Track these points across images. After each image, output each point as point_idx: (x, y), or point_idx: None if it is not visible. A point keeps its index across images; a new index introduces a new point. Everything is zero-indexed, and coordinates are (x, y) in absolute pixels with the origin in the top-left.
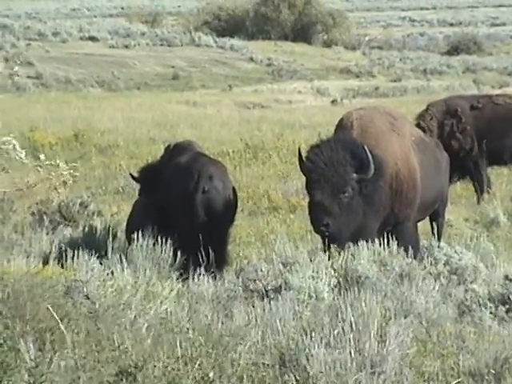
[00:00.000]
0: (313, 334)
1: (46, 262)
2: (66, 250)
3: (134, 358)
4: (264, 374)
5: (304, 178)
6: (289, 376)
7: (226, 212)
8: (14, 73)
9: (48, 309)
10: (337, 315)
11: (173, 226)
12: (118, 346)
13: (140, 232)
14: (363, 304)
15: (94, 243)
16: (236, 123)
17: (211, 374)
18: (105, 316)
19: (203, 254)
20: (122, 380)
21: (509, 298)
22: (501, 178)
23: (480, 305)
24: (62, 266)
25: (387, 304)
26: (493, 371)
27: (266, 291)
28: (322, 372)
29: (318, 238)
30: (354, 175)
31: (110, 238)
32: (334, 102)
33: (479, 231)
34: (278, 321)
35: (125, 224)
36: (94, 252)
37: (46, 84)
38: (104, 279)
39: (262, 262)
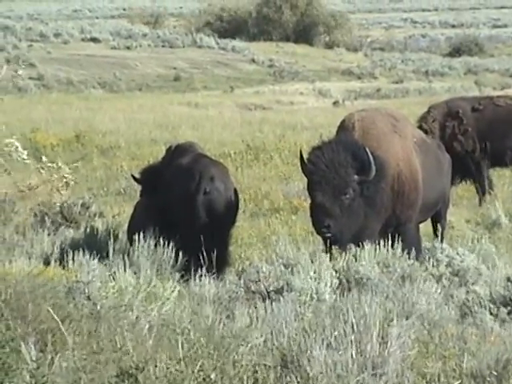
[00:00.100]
0: (314, 336)
1: (47, 263)
2: (67, 251)
3: (136, 359)
4: (265, 375)
5: (306, 180)
6: (290, 377)
7: (227, 213)
8: (18, 76)
9: (49, 310)
10: (338, 316)
11: (174, 228)
12: (120, 347)
13: (141, 233)
14: (365, 305)
15: (96, 244)
16: (237, 124)
17: (213, 376)
18: (106, 317)
19: (205, 255)
20: (123, 381)
21: (510, 299)
22: (502, 180)
23: (482, 306)
24: (64, 267)
25: (389, 305)
26: (494, 373)
27: (268, 292)
28: (323, 373)
29: (320, 239)
30: (356, 177)
31: (112, 239)
32: (335, 103)
33: (481, 233)
34: (279, 322)
35: (126, 225)
36: (95, 253)
37: (48, 85)
38: (105, 280)
39: (264, 263)
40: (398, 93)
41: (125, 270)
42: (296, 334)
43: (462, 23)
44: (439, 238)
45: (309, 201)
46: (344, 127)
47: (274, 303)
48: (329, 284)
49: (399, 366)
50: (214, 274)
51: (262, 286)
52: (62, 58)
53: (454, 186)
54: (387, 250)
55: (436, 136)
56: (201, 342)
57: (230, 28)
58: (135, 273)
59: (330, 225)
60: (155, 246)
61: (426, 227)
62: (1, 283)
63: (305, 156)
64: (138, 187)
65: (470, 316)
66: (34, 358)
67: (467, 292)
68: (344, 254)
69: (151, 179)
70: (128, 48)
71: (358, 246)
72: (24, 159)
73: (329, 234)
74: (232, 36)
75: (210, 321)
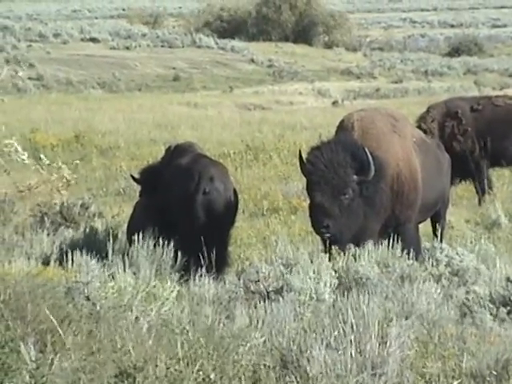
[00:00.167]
0: (314, 336)
1: (46, 264)
2: (66, 252)
3: (135, 360)
4: (265, 375)
5: (305, 180)
6: (290, 377)
7: (226, 213)
8: (19, 77)
9: (49, 310)
10: (338, 316)
11: (173, 228)
12: (119, 348)
13: (141, 233)
14: (364, 305)
15: (95, 245)
16: (237, 124)
17: (212, 376)
18: (106, 317)
19: (204, 255)
20: (122, 381)
21: (510, 299)
22: (502, 180)
23: (481, 306)
24: (63, 268)
25: (388, 305)
26: (494, 373)
27: (267, 292)
28: (322, 373)
29: (319, 239)
30: (355, 177)
31: (111, 240)
32: (334, 103)
33: (480, 233)
34: (279, 322)
35: (126, 225)
36: (94, 253)
37: (47, 85)
38: (105, 280)
39: (263, 263)
40: (397, 93)
41: (124, 271)
42: (295, 334)
43: (461, 23)
44: (438, 237)
45: (308, 201)
46: (343, 127)
47: (273, 303)
48: (328, 284)
49: (399, 365)
50: (213, 274)
51: (262, 286)
52: (62, 58)
53: (454, 185)
54: (387, 250)
55: (435, 136)
56: (200, 342)
57: (230, 28)
58: (134, 273)
59: (329, 225)
60: (154, 246)
61: (425, 227)
62: (0, 283)
63: (304, 156)
64: (137, 187)
65: (470, 316)
66: (33, 359)
67: (467, 292)
68: (343, 254)
69: (150, 179)
70: (127, 48)
71: (358, 246)
72: (24, 160)
73: (328, 234)
74: (231, 36)
75: (209, 321)
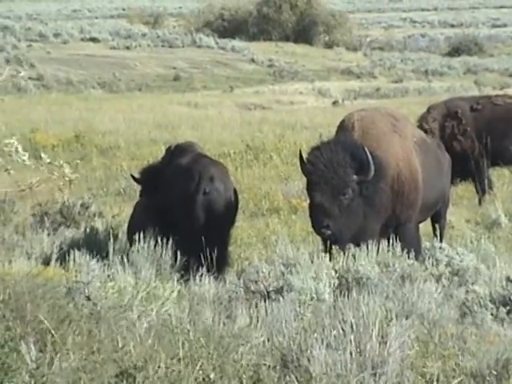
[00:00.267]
0: (314, 335)
1: (47, 264)
2: (67, 252)
3: (135, 359)
4: (265, 375)
5: (305, 180)
6: (290, 377)
7: (227, 213)
8: (20, 77)
9: (49, 310)
10: (338, 316)
11: (174, 228)
12: (120, 347)
13: (141, 233)
14: (364, 305)
15: (95, 244)
16: (237, 124)
17: (212, 375)
18: (106, 317)
19: (204, 255)
20: (122, 381)
21: (510, 299)
22: (502, 179)
23: (481, 306)
24: (63, 268)
25: (388, 305)
26: (494, 372)
27: (268, 292)
28: (322, 373)
29: (319, 239)
30: (354, 177)
31: (111, 240)
32: (335, 103)
33: (480, 232)
34: (279, 322)
35: (126, 225)
36: (95, 253)
37: (47, 85)
38: (105, 280)
39: (264, 263)
40: (397, 92)
41: (124, 270)
42: (296, 334)
43: (461, 23)
44: (439, 237)
45: (308, 201)
46: (343, 127)
47: (273, 303)
48: (328, 284)
49: (399, 365)
50: (213, 274)
51: (262, 286)
52: (62, 58)
53: (454, 185)
54: (387, 250)
55: (436, 136)
56: (200, 342)
57: (230, 28)
58: (135, 273)
59: (329, 225)
60: (155, 246)
61: (425, 227)
62: (0, 283)
63: (304, 156)
64: (137, 187)
65: (470, 316)
66: (33, 358)
67: (467, 292)
68: (343, 253)
69: (151, 179)
70: (127, 48)
71: (358, 246)
72: (24, 161)
73: (328, 234)
74: (231, 36)
75: (209, 321)
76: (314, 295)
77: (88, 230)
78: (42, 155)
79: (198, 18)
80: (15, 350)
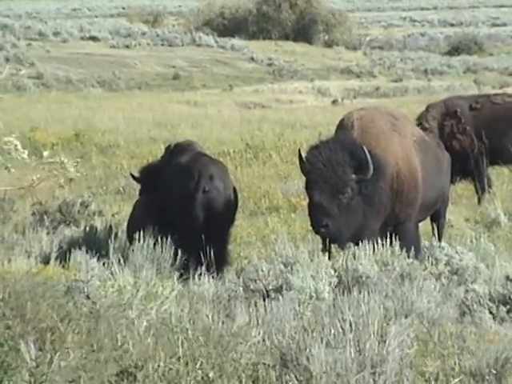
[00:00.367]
0: (313, 334)
1: (46, 262)
2: (66, 250)
3: (135, 358)
4: (265, 374)
5: (304, 179)
6: (289, 376)
7: (226, 212)
8: (21, 75)
9: (48, 309)
10: (337, 315)
11: (173, 226)
12: (119, 346)
13: (141, 232)
14: (364, 304)
15: (95, 243)
16: (237, 123)
17: (211, 374)
18: (105, 316)
19: (204, 253)
20: (122, 380)
21: (509, 298)
22: (501, 178)
23: (481, 305)
24: (63, 266)
25: (388, 304)
26: (493, 371)
27: (267, 291)
28: (322, 372)
29: (319, 238)
30: (353, 176)
31: (111, 238)
32: (334, 102)
33: (480, 231)
34: (278, 321)
35: (125, 224)
36: (94, 252)
37: (47, 84)
38: (105, 279)
39: (263, 261)
40: (397, 91)
41: (124, 269)
42: (295, 333)
43: (461, 22)
44: (438, 236)
45: (307, 200)
46: (343, 126)
47: (273, 302)
48: (328, 283)
49: (398, 364)
50: (213, 272)
51: (261, 285)
52: (61, 56)
53: (453, 184)
54: (386, 249)
55: (435, 135)
56: (200, 341)
57: (229, 26)
58: (134, 272)
59: (328, 224)
60: (154, 244)
61: (425, 226)
62: (0, 282)
63: (303, 155)
64: (137, 186)
65: (469, 315)
66: (33, 357)
67: (466, 291)
68: (343, 252)
69: (150, 178)
70: (127, 47)
71: (358, 245)
72: (24, 158)
73: (327, 233)
74: (231, 34)
75: (209, 320)
76: (314, 294)
77: (87, 228)
78: (44, 153)
79: (198, 17)
80: (15, 348)
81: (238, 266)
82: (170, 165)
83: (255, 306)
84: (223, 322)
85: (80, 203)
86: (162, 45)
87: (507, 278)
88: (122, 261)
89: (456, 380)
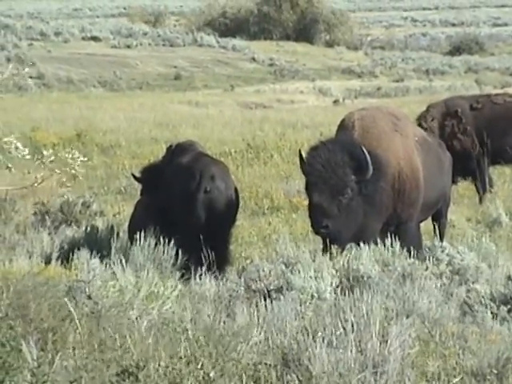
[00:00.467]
0: (315, 334)
1: (48, 262)
2: (68, 250)
3: (136, 358)
4: (266, 373)
5: (305, 179)
6: (291, 376)
7: (227, 212)
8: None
9: (50, 309)
10: (339, 315)
11: (175, 226)
12: (120, 346)
13: (142, 232)
14: (365, 304)
15: (96, 243)
16: (238, 123)
17: (212, 374)
18: (107, 316)
19: (205, 253)
20: (123, 380)
21: (511, 297)
22: (503, 178)
23: (482, 305)
24: (65, 266)
25: (389, 304)
26: (495, 371)
27: (268, 291)
28: (323, 372)
29: (320, 238)
30: (353, 176)
31: (112, 238)
32: (336, 102)
33: (481, 231)
34: (280, 321)
35: (127, 224)
36: (96, 252)
37: (48, 84)
38: (106, 279)
39: (264, 261)
40: (398, 91)
41: (125, 269)
42: (296, 333)
43: (462, 22)
44: (439, 236)
45: (308, 201)
46: (344, 126)
47: (274, 302)
48: (329, 283)
49: (400, 364)
50: (214, 272)
51: (263, 285)
52: (63, 56)
53: (455, 184)
54: (387, 249)
55: (436, 135)
56: (201, 341)
57: (231, 27)
58: (136, 272)
59: (328, 225)
60: (156, 244)
61: (426, 226)
62: (2, 282)
63: (304, 155)
64: (138, 186)
65: (471, 314)
66: (34, 357)
67: (468, 290)
68: (344, 252)
69: (152, 178)
70: (128, 47)
71: (359, 245)
72: (24, 155)
73: (327, 234)
74: (232, 35)
75: (210, 319)
76: (315, 294)
77: (89, 228)
78: (45, 153)
79: (199, 17)
80: (16, 348)
81: (240, 266)
82: (172, 165)
83: (256, 306)
84: (224, 322)
85: (81, 203)
86: (164, 45)
87: (509, 277)
88: (123, 261)
89: (457, 379)
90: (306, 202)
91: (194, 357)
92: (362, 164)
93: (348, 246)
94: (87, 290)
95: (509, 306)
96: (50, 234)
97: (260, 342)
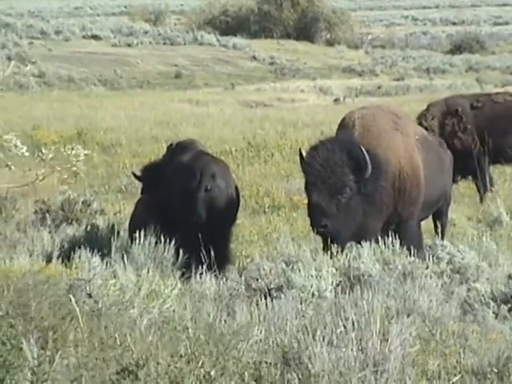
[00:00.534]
0: (315, 333)
1: (48, 261)
2: (68, 249)
3: (136, 357)
4: (266, 372)
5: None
6: (291, 375)
7: (228, 210)
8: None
9: (50, 307)
10: (339, 314)
11: (175, 225)
12: (121, 344)
13: (142, 231)
14: (366, 303)
15: (97, 242)
16: (239, 122)
17: (213, 373)
18: (107, 314)
19: (206, 252)
20: (124, 378)
21: (511, 296)
22: (503, 177)
23: (483, 303)
24: (65, 265)
25: (390, 302)
26: (495, 370)
27: (269, 290)
28: (324, 370)
29: (320, 237)
30: (352, 176)
31: (113, 237)
32: (336, 100)
33: (482, 230)
34: (280, 319)
35: (127, 223)
36: (96, 250)
37: (49, 82)
38: (106, 278)
39: (265, 260)
40: (398, 90)
41: (126, 268)
42: (297, 331)
43: (463, 20)
44: (440, 235)
45: (307, 200)
46: (344, 125)
47: (274, 300)
48: (330, 281)
49: (400, 362)
50: (214, 271)
51: (263, 284)
52: (63, 55)
53: (456, 183)
54: (388, 248)
55: (436, 134)
56: (201, 340)
57: (231, 25)
58: (136, 270)
59: (327, 224)
60: (156, 243)
61: (427, 224)
62: (2, 280)
63: (304, 154)
64: (139, 185)
65: (471, 313)
66: (35, 356)
67: (468, 289)
68: (345, 251)
69: (152, 177)
70: (129, 45)
71: (360, 244)
72: (23, 153)
73: (326, 233)
74: (233, 33)
75: (210, 318)
76: (316, 292)
77: (89, 227)
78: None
79: (200, 16)
80: (17, 347)
81: (240, 264)
82: (172, 163)
83: (257, 304)
84: (225, 321)
85: (82, 202)
86: (164, 43)
87: (509, 276)
88: (123, 259)
89: (457, 378)
90: (306, 201)
91: (195, 355)
92: (361, 163)
93: (348, 244)
94: (88, 288)
95: (509, 305)
96: (50, 232)
97: (260, 341)
